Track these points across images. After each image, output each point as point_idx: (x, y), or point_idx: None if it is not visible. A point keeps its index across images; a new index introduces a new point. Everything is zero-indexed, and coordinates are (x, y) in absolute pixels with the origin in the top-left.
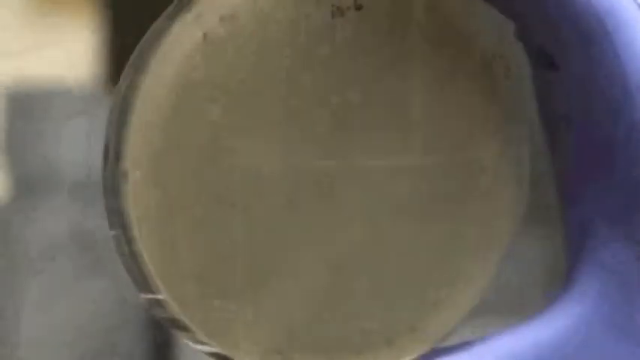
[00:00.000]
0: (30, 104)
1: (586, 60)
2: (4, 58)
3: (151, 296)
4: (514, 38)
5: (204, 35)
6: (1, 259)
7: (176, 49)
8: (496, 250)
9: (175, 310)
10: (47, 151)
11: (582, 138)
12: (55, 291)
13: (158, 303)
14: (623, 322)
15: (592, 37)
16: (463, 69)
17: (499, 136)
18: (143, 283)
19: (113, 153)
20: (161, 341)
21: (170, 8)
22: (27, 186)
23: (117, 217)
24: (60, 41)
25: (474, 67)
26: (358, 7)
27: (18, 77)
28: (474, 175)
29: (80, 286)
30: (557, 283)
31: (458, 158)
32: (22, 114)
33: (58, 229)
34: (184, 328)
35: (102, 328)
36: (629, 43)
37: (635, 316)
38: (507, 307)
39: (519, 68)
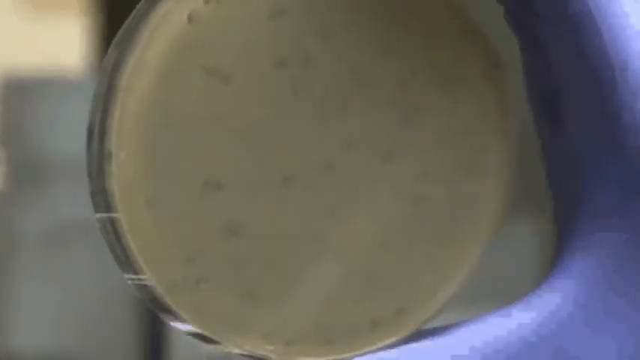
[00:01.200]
0: (26, 94)
1: (572, 39)
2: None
3: (135, 278)
4: (505, 20)
5: (189, 16)
6: (1, 246)
7: (160, 30)
8: (483, 236)
9: (159, 292)
10: (45, 140)
11: (576, 115)
12: (54, 278)
13: (142, 285)
14: (607, 309)
15: (579, 22)
16: (454, 50)
17: (494, 122)
18: (127, 264)
19: (97, 134)
20: (156, 329)
21: None
22: (26, 174)
23: (101, 199)
24: (54, 29)
25: (470, 56)
26: None
27: (12, 67)
28: (471, 156)
29: (80, 273)
30: (548, 271)
31: (456, 139)
32: (19, 104)
33: (58, 217)
34: (168, 310)
35: (100, 315)
36: (613, 29)
37: (620, 303)
38: (497, 295)
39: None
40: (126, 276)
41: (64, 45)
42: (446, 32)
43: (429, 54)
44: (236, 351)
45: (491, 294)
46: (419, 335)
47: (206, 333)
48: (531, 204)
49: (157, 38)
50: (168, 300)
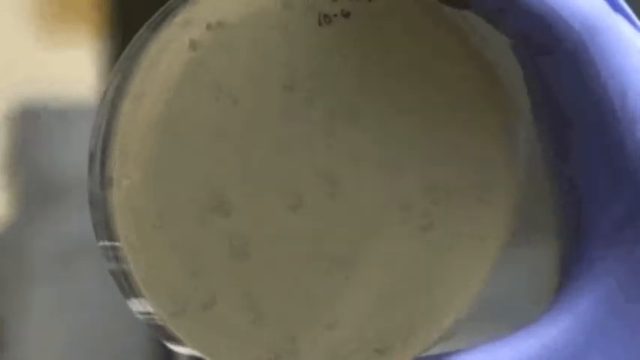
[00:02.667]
0: (37, 114)
1: (570, 71)
2: (11, 68)
3: (138, 305)
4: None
5: (191, 42)
6: (13, 267)
7: (162, 56)
8: (488, 258)
9: (162, 318)
10: (56, 160)
11: (581, 146)
12: (65, 299)
13: (145, 312)
14: (618, 331)
15: (574, 55)
16: (456, 74)
17: (499, 139)
18: (130, 292)
19: (99, 161)
20: (168, 351)
21: (157, 15)
22: (37, 195)
23: (103, 227)
24: (66, 56)
25: (467, 71)
26: (346, 15)
27: (24, 93)
28: (478, 172)
29: (91, 294)
30: (550, 295)
31: (460, 162)
32: (31, 124)
33: (68, 238)
34: (172, 337)
35: (112, 336)
36: (608, 59)
37: (632, 325)
38: (499, 318)
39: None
40: (129, 303)
41: (76, 71)
42: (450, 54)
43: (431, 76)
44: None
45: (495, 320)
46: None
47: (210, 358)
48: (541, 229)
49: (158, 65)
50: (171, 326)
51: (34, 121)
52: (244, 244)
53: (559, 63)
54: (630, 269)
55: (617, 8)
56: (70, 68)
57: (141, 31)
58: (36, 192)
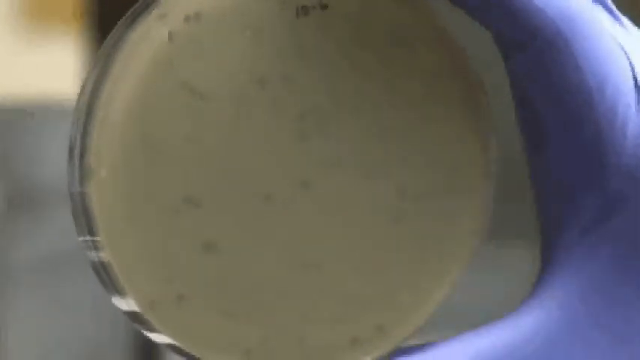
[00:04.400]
0: (20, 117)
1: (549, 68)
2: None
3: (120, 299)
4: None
5: (170, 34)
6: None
7: (139, 48)
8: (462, 255)
9: (141, 309)
10: (39, 161)
11: (557, 139)
12: (49, 306)
13: (127, 305)
14: (592, 324)
15: (552, 47)
16: (433, 69)
17: (472, 141)
18: (109, 284)
19: (78, 152)
20: (154, 357)
21: (135, 7)
22: (23, 200)
23: (83, 221)
24: (46, 56)
25: (444, 70)
26: (323, 7)
27: (7, 89)
28: (450, 176)
29: (75, 300)
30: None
31: (434, 161)
32: (15, 127)
33: (51, 246)
34: (151, 328)
35: (96, 341)
36: (587, 50)
37: (604, 318)
38: (480, 315)
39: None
40: (110, 296)
41: (56, 72)
42: (426, 57)
43: (406, 76)
44: None
45: (473, 316)
46: (399, 352)
47: (187, 349)
48: (521, 225)
49: (135, 56)
50: (149, 317)
51: (14, 121)
52: (214, 240)
53: (534, 57)
54: (601, 266)
55: None
56: (51, 66)
57: (119, 23)
58: (19, 194)
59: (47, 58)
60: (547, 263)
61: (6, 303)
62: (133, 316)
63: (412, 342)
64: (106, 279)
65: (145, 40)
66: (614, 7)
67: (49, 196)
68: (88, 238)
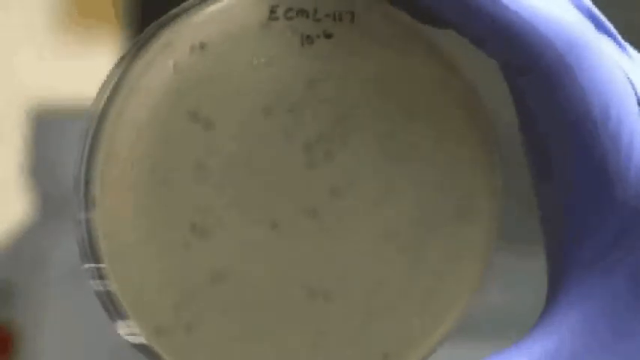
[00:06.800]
0: (55, 123)
1: (553, 93)
2: (32, 73)
3: (124, 326)
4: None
5: (175, 64)
6: (30, 280)
7: (144, 78)
8: (472, 281)
9: (148, 339)
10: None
11: (561, 169)
12: (87, 307)
13: (132, 333)
14: (602, 354)
15: (554, 73)
16: (443, 93)
17: (482, 167)
18: (114, 313)
19: (83, 181)
20: None
21: (138, 37)
22: (56, 206)
23: (88, 249)
24: (85, 60)
25: (454, 93)
26: (328, 36)
27: (43, 97)
28: (460, 201)
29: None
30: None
31: (442, 189)
32: (49, 133)
33: None
34: (158, 357)
35: (126, 349)
36: (590, 77)
37: (616, 348)
38: (493, 329)
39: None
40: (114, 325)
41: (94, 75)
42: (430, 81)
43: (413, 108)
44: None
45: (486, 332)
46: None
47: None
48: (533, 242)
49: (140, 87)
50: (155, 345)
51: (52, 124)
52: (222, 269)
53: (536, 82)
54: (614, 295)
55: (600, 26)
56: (89, 70)
57: (123, 53)
58: (54, 199)
59: (86, 61)
60: (553, 292)
61: (42, 303)
62: (139, 346)
63: None
64: (111, 308)
65: (150, 71)
66: (619, 36)
67: None
68: (92, 265)
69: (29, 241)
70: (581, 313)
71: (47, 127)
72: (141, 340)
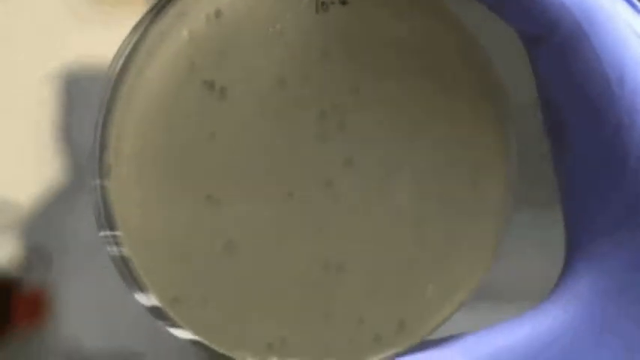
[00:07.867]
0: (83, 92)
1: (569, 61)
2: (60, 46)
3: (141, 294)
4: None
5: (190, 33)
6: (56, 251)
7: (160, 46)
8: (489, 250)
9: (168, 308)
10: None
11: (577, 140)
12: (107, 275)
13: (146, 299)
14: (607, 326)
15: (571, 40)
16: (459, 62)
17: (495, 140)
18: (130, 280)
19: (98, 148)
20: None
21: (154, 5)
22: (81, 167)
23: (103, 217)
24: (114, 26)
25: (470, 62)
26: (343, 2)
27: (71, 63)
28: (472, 174)
29: None
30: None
31: (455, 159)
32: (75, 101)
33: None
34: (174, 323)
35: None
36: (606, 43)
37: (619, 320)
38: (507, 295)
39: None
40: (130, 291)
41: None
42: (446, 53)
43: (427, 75)
44: None
45: (498, 300)
46: (422, 346)
47: (210, 346)
48: (550, 208)
49: (156, 54)
50: (172, 313)
51: (77, 96)
52: (236, 239)
53: (554, 50)
54: (629, 265)
55: None
56: (117, 38)
57: (139, 20)
58: (81, 165)
59: (114, 28)
60: (569, 262)
61: (64, 271)
62: (155, 311)
63: (435, 336)
64: (127, 274)
65: (165, 39)
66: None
67: None
68: (108, 232)
69: (62, 207)
70: (596, 279)
71: (83, 92)
72: (157, 306)
